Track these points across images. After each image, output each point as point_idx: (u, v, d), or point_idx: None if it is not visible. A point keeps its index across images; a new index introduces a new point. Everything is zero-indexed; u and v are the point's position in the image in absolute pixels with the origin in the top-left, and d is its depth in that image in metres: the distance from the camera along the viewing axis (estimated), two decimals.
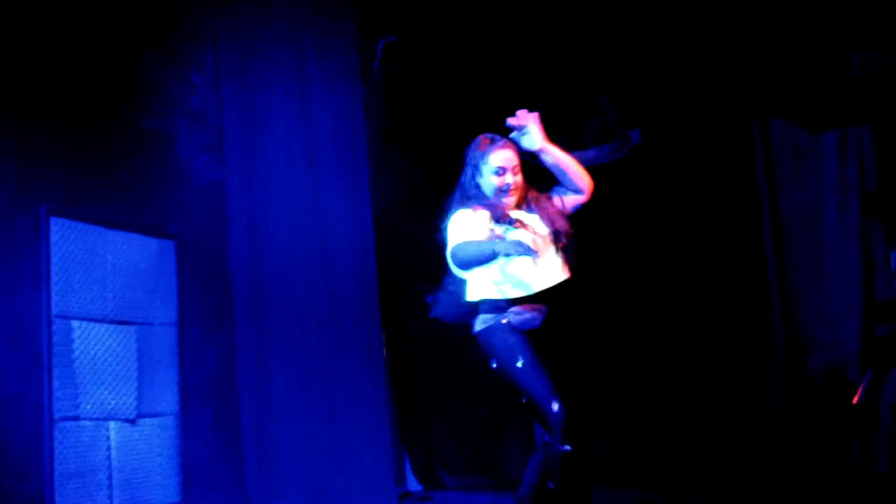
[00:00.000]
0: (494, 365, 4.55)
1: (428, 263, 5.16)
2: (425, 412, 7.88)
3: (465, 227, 4.55)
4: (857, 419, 5.61)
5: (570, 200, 4.73)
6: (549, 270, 4.51)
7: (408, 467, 7.73)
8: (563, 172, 4.66)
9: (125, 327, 6.03)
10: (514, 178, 4.56)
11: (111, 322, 5.94)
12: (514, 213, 4.57)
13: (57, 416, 5.51)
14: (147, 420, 6.13)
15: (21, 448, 5.33)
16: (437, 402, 7.89)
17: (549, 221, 4.58)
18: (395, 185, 7.63)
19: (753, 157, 7.26)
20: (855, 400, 5.31)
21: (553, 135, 7.73)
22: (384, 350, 7.48)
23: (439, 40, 7.67)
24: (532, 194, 4.69)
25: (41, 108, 5.63)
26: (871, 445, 6.06)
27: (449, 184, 7.58)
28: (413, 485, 7.72)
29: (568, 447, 4.33)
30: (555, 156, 4.64)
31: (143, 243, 6.22)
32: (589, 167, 7.56)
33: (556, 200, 4.70)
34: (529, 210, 4.61)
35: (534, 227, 4.55)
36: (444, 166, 7.65)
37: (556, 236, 4.54)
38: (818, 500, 6.27)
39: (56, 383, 5.52)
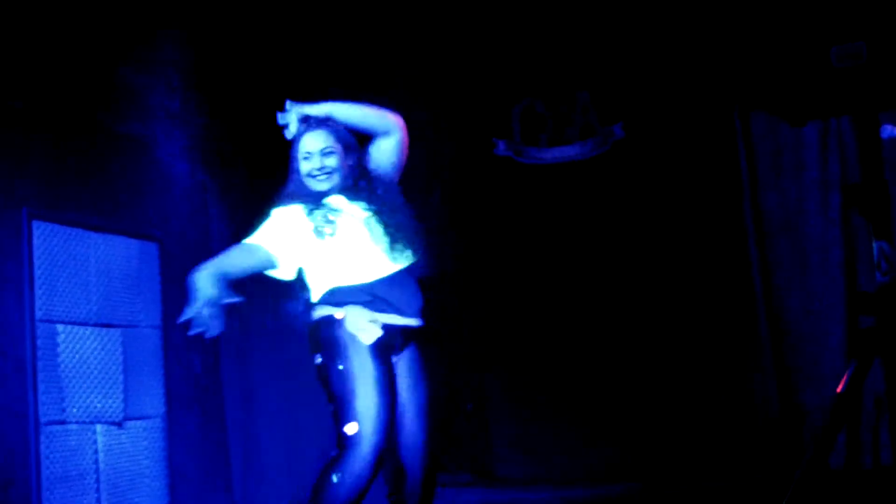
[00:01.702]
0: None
1: None
2: None
3: (269, 226, 4.19)
4: (841, 411, 5.61)
5: (387, 147, 4.27)
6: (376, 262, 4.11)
7: None
8: (363, 121, 4.24)
9: (110, 330, 6.02)
10: (323, 162, 4.13)
11: (96, 325, 5.93)
12: (334, 200, 4.16)
13: (43, 420, 5.49)
14: (134, 423, 6.12)
15: (7, 453, 5.32)
16: None
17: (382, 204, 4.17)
18: None
19: (735, 151, 7.27)
20: (839, 389, 5.31)
21: (536, 130, 7.87)
22: None
23: (421, 35, 7.66)
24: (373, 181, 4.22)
25: (21, 114, 5.61)
26: (854, 438, 6.07)
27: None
28: None
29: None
30: (342, 112, 4.22)
31: (126, 246, 6.21)
32: (572, 162, 7.72)
33: (376, 155, 4.25)
34: (357, 196, 4.18)
35: (356, 212, 4.15)
36: (428, 162, 7.72)
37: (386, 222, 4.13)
38: (802, 492, 6.28)
39: (41, 387, 5.51)
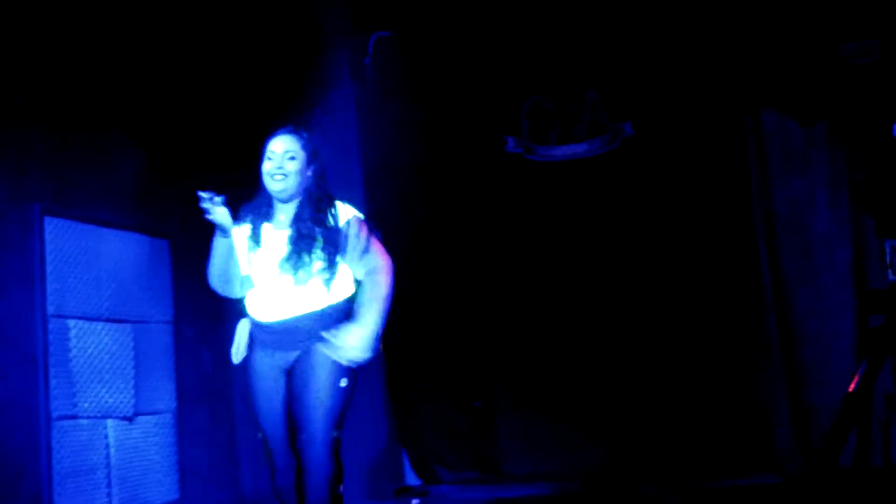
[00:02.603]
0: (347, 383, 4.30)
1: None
2: (419, 407, 7.88)
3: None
4: (851, 410, 5.62)
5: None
6: (280, 302, 4.28)
7: (405, 462, 7.73)
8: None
9: (121, 325, 6.04)
10: (283, 164, 4.26)
11: (107, 321, 5.94)
12: (279, 229, 4.33)
13: (54, 414, 5.51)
14: (145, 418, 6.13)
15: (18, 447, 5.33)
16: (431, 398, 7.89)
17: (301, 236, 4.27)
18: (392, 179, 7.65)
19: (745, 149, 7.26)
20: (851, 389, 5.31)
21: (546, 127, 7.87)
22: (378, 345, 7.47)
23: (429, 34, 7.66)
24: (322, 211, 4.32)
25: (33, 109, 5.62)
26: (865, 437, 6.07)
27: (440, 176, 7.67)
28: (412, 479, 7.72)
29: None
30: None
31: (138, 242, 6.23)
32: (581, 160, 7.72)
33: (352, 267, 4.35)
34: (298, 223, 4.30)
35: (274, 245, 4.32)
36: (439, 158, 7.73)
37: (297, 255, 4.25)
38: (812, 492, 6.29)
39: (53, 382, 5.52)
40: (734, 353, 7.31)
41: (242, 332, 4.42)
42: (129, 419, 6.03)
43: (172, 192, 6.47)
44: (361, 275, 4.32)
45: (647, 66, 7.46)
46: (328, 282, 4.26)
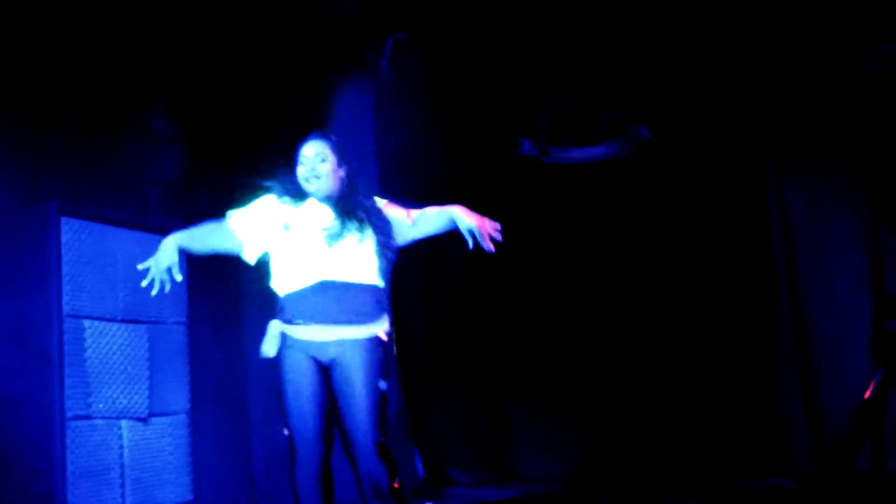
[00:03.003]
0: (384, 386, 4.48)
1: None
2: (433, 409, 7.89)
3: (246, 210, 4.56)
4: (867, 416, 5.60)
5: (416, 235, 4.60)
6: (317, 267, 4.41)
7: (418, 463, 7.73)
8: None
9: (136, 326, 6.05)
10: (315, 167, 4.45)
11: (122, 321, 5.96)
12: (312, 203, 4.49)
13: (68, 415, 5.52)
14: (159, 419, 6.14)
15: (33, 447, 5.35)
16: (443, 399, 7.89)
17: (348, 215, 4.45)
18: (407, 180, 7.65)
19: (761, 152, 7.25)
20: (867, 395, 5.29)
21: (562, 130, 7.87)
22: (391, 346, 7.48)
23: (446, 36, 7.66)
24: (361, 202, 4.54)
25: (50, 108, 5.64)
26: (879, 442, 6.06)
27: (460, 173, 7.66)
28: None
29: None
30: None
31: (154, 242, 6.20)
32: (597, 162, 7.71)
33: (405, 229, 4.55)
34: (338, 207, 4.48)
35: (320, 216, 4.47)
36: (454, 160, 7.72)
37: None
38: (827, 496, 6.28)
39: (67, 382, 5.54)
40: (749, 355, 7.30)
41: (273, 329, 4.49)
42: (144, 420, 6.04)
43: (188, 192, 6.49)
44: (411, 219, 4.53)
45: (663, 68, 7.46)
46: (380, 262, 4.44)
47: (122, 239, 5.99)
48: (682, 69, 7.39)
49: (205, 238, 4.60)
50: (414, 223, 4.52)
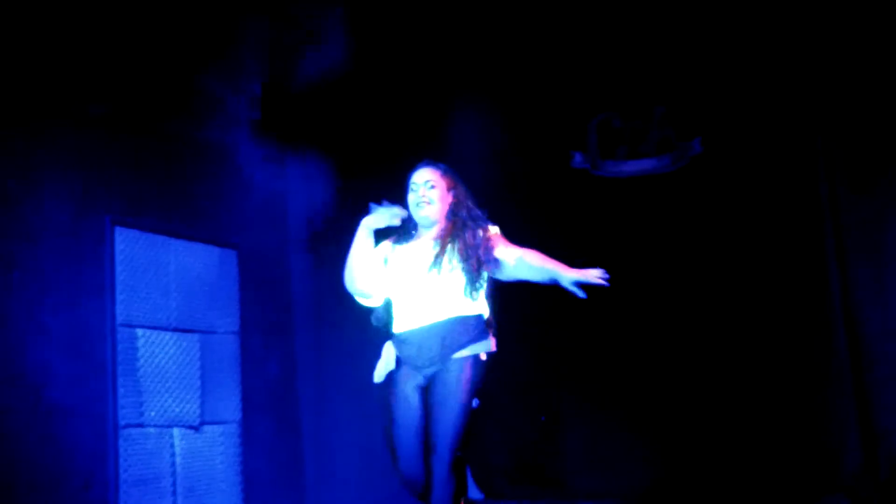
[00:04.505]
0: (476, 404, 4.69)
1: None
2: (483, 420, 7.87)
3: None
4: None
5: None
6: (420, 309, 4.60)
7: (469, 475, 7.72)
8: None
9: (189, 335, 6.10)
10: (425, 195, 4.66)
11: (175, 330, 6.01)
12: (423, 243, 4.66)
13: (121, 423, 5.58)
14: (210, 427, 6.19)
15: (86, 455, 5.41)
16: (494, 411, 7.87)
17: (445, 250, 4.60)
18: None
19: (815, 168, 7.17)
20: None
21: (613, 145, 7.84)
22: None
23: (501, 52, 7.67)
24: (463, 235, 4.68)
25: (105, 122, 5.71)
26: None
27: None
28: (474, 493, 7.71)
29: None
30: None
31: (206, 253, 6.29)
32: (649, 176, 7.67)
33: (510, 270, 4.73)
34: (441, 240, 4.65)
35: (417, 257, 4.64)
36: (506, 171, 7.72)
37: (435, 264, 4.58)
38: None
39: (121, 391, 5.60)
40: (804, 374, 7.20)
41: (387, 353, 4.70)
42: (195, 428, 6.08)
43: (241, 203, 6.55)
44: (513, 261, 4.69)
45: (716, 83, 7.39)
46: (468, 290, 4.60)
47: (174, 249, 6.06)
48: (734, 83, 7.33)
49: (368, 257, 4.68)
50: (515, 265, 4.69)
